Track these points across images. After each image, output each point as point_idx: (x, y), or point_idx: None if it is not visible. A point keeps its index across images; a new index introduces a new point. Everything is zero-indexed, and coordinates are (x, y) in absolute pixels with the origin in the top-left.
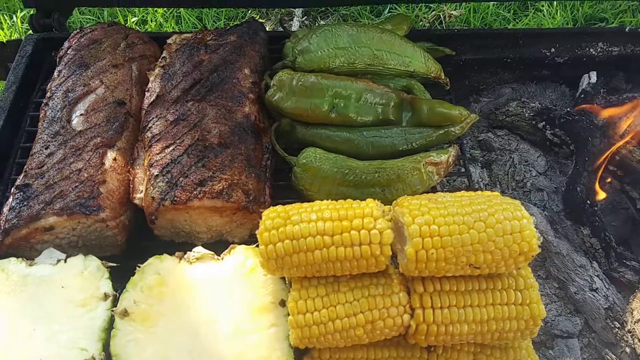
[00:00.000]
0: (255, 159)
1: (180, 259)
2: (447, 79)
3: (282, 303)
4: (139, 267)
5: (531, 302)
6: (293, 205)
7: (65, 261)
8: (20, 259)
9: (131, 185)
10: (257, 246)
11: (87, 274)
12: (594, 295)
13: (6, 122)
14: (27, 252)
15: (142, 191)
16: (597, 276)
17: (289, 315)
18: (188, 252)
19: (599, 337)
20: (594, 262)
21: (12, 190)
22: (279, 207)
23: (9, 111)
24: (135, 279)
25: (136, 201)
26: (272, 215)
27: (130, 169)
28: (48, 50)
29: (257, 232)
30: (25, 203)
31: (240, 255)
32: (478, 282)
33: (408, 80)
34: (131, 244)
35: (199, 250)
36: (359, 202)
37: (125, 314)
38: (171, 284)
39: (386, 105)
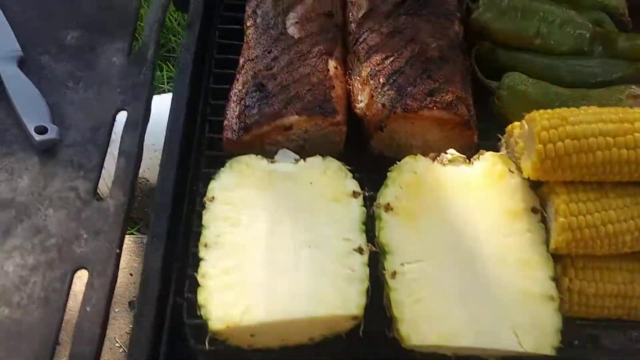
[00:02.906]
0: (467, 78)
1: (434, 160)
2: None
3: (535, 210)
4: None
5: None
6: (565, 108)
7: (305, 160)
8: (260, 156)
9: (352, 95)
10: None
11: (330, 173)
12: None
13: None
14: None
15: (361, 101)
16: None
17: (540, 221)
18: (442, 154)
19: None
20: None
21: (245, 89)
22: (549, 110)
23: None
24: (393, 175)
25: (357, 110)
26: (546, 116)
27: (348, 79)
28: None
29: (534, 130)
30: (264, 101)
31: (489, 161)
32: None
33: (598, 13)
34: None
35: (452, 152)
36: (626, 108)
37: (389, 207)
38: (427, 182)
39: (583, 35)
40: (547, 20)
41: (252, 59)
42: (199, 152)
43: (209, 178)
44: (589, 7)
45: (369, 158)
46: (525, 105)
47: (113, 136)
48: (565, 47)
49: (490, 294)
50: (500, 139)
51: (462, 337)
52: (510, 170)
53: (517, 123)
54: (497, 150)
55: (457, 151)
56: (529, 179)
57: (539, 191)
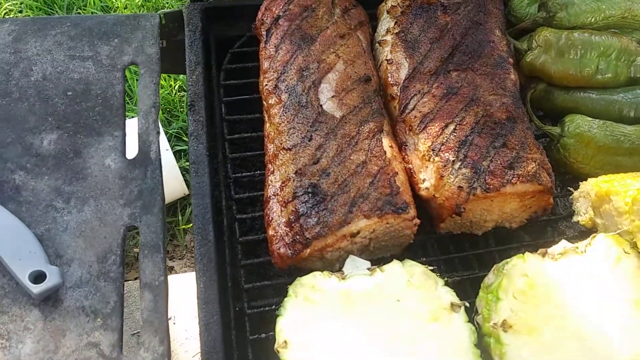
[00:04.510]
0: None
1: (544, 256)
2: None
3: None
4: (497, 271)
5: None
6: None
7: (381, 270)
8: (326, 272)
9: (411, 174)
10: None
11: (416, 282)
12: None
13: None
14: (311, 264)
15: (425, 180)
16: None
17: None
18: (552, 247)
19: None
20: None
21: (291, 190)
22: None
23: (205, 97)
24: (504, 284)
25: (422, 192)
26: None
27: (404, 156)
28: (214, 23)
29: None
30: (322, 206)
31: (602, 245)
32: None
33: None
34: None
35: (563, 244)
36: None
37: (507, 325)
38: (542, 285)
39: (637, 63)
40: (605, 54)
41: (289, 149)
42: (235, 264)
43: (250, 293)
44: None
45: (436, 236)
46: (594, 150)
47: None
48: (622, 78)
49: None
50: (571, 192)
51: None
52: (625, 252)
53: (610, 189)
54: (570, 206)
55: (532, 215)
56: None
57: None
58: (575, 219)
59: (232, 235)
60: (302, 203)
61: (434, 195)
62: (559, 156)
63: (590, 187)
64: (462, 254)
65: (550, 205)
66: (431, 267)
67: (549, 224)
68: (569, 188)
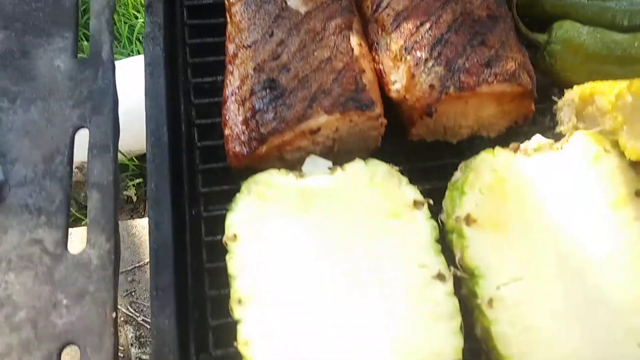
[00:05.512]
0: (517, 36)
1: (516, 151)
2: None
3: (639, 193)
4: (464, 167)
5: None
6: None
7: (342, 168)
8: (283, 170)
9: (382, 75)
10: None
11: (379, 181)
12: None
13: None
14: (270, 167)
15: (396, 81)
16: None
17: None
18: (526, 142)
19: None
20: None
21: (249, 86)
22: None
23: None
24: (469, 178)
25: (392, 94)
26: None
27: (375, 56)
28: None
29: None
30: (280, 101)
31: (581, 143)
32: None
33: None
34: None
35: (538, 139)
36: None
37: (471, 220)
38: (512, 181)
39: None
40: None
41: (249, 46)
42: (193, 169)
43: (207, 197)
44: None
45: (408, 145)
46: (582, 58)
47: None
48: None
49: (604, 304)
50: (555, 102)
51: None
52: (605, 150)
53: (595, 88)
54: (553, 115)
55: (512, 123)
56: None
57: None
58: (558, 129)
59: (191, 141)
60: (259, 99)
61: (404, 96)
62: (545, 64)
63: (575, 92)
64: (435, 162)
65: (531, 113)
66: (397, 168)
67: (530, 135)
68: (553, 97)
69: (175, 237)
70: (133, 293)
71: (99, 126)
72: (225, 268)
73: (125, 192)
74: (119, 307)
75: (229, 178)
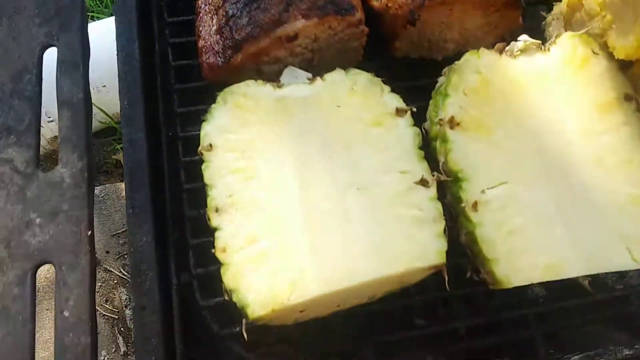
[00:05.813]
0: None
1: (501, 52)
2: None
3: (628, 97)
4: (448, 71)
5: None
6: None
7: (322, 78)
8: (260, 81)
9: None
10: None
11: (360, 90)
12: None
13: None
14: (247, 79)
15: None
16: None
17: (637, 110)
18: (512, 43)
19: None
20: None
21: None
22: None
23: None
24: (453, 80)
25: (374, 2)
26: None
27: None
28: None
29: None
30: (254, 5)
31: (568, 44)
32: None
33: None
34: None
35: (524, 38)
36: None
37: (454, 123)
38: (497, 83)
39: None
40: None
41: None
42: (168, 89)
43: (184, 117)
44: None
45: (392, 63)
46: None
47: None
48: None
49: (591, 207)
50: (544, 17)
51: (571, 266)
52: (594, 52)
53: None
54: (542, 29)
55: (498, 39)
56: (617, 60)
57: (628, 73)
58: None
59: (166, 60)
60: (233, 4)
61: (386, 4)
62: None
63: (563, 3)
64: (419, 81)
65: (518, 26)
66: (380, 78)
67: None
68: (541, 12)
69: (151, 155)
70: (126, 255)
71: (67, 44)
72: (204, 189)
73: (114, 156)
74: (111, 269)
75: (208, 98)
